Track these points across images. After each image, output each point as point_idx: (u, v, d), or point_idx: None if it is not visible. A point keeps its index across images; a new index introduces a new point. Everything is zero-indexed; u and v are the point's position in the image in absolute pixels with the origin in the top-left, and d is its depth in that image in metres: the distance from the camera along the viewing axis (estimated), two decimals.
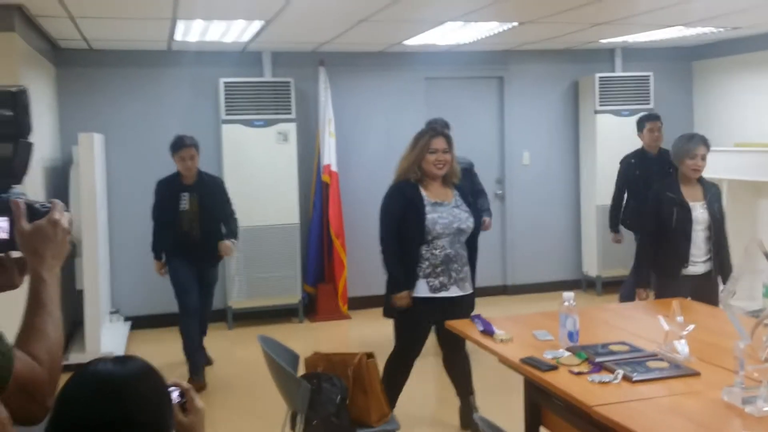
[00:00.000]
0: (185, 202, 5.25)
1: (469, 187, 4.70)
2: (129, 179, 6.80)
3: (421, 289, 3.90)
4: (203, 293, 5.44)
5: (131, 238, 6.81)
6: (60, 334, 1.49)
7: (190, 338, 5.31)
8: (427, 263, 3.89)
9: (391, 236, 3.94)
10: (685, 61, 8.08)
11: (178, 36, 5.87)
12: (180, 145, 5.21)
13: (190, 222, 5.25)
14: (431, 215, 3.87)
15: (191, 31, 5.69)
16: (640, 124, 6.21)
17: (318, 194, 6.94)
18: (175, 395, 1.61)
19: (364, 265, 7.02)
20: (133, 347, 6.21)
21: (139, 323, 6.68)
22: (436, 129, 4.03)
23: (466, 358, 4.15)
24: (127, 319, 6.70)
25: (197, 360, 5.31)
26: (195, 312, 5.32)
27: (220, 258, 5.44)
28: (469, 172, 5.11)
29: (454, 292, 3.94)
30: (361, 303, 6.94)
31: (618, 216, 6.22)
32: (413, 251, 3.88)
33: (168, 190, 5.31)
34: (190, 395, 1.64)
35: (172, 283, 5.35)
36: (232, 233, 5.47)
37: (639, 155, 6.14)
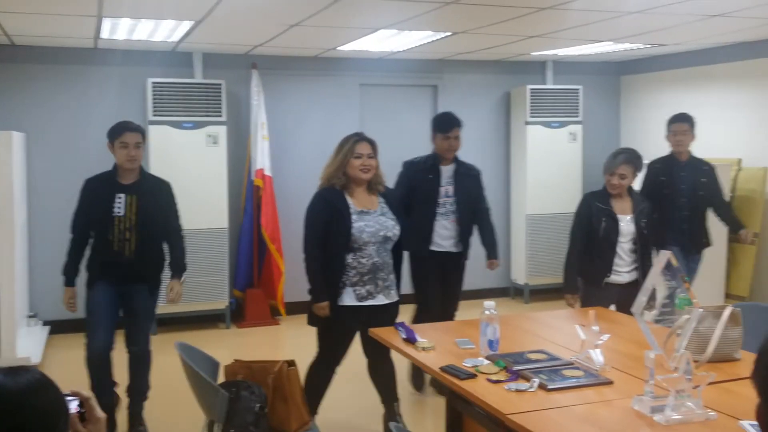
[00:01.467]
0: (120, 206, 4.13)
1: (476, 194, 4.96)
2: (51, 179, 6.60)
3: (347, 298, 3.87)
4: (131, 328, 4.24)
5: (51, 239, 6.59)
6: None
7: (98, 385, 4.17)
8: (354, 271, 3.87)
9: (314, 245, 3.89)
10: (614, 75, 8.29)
11: (105, 34, 5.73)
12: (123, 128, 4.18)
13: (124, 232, 4.12)
14: (357, 224, 3.84)
15: (118, 30, 5.55)
16: (667, 126, 5.71)
17: (249, 198, 6.86)
18: (73, 405, 1.56)
19: (299, 269, 6.93)
20: (51, 352, 6.01)
21: (59, 328, 6.45)
22: (361, 134, 4.01)
23: (391, 366, 4.14)
24: (45, 323, 6.49)
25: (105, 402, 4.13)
26: (102, 355, 4.17)
27: (171, 293, 4.30)
28: (478, 179, 5.04)
29: (380, 300, 3.93)
30: (295, 308, 6.86)
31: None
32: (339, 259, 3.85)
33: (99, 189, 4.20)
34: (89, 404, 1.59)
35: (86, 312, 4.25)
36: (180, 265, 4.32)
37: (666, 160, 5.67)
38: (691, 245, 5.47)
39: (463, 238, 4.88)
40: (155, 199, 4.23)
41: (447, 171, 4.84)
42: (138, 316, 4.21)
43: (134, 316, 4.20)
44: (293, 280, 6.82)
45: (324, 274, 3.87)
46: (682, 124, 5.60)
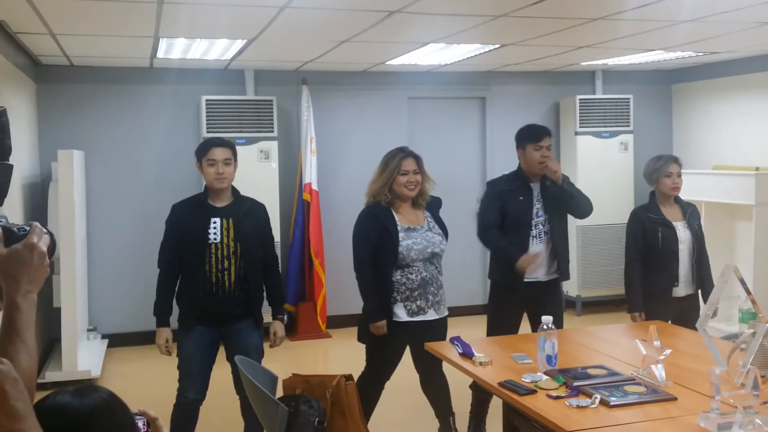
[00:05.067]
0: (216, 231, 3.71)
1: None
2: (109, 196, 6.78)
3: (399, 313, 3.89)
4: (235, 373, 3.74)
5: (109, 255, 6.79)
6: (33, 362, 1.44)
7: None
8: (403, 287, 3.88)
9: (366, 263, 3.90)
10: (665, 84, 8.18)
11: (161, 53, 5.86)
12: (210, 144, 3.78)
13: (222, 261, 3.71)
14: (405, 242, 3.85)
15: (174, 49, 5.69)
16: None
17: (299, 212, 6.93)
18: (140, 424, 1.58)
19: (343, 283, 6.99)
20: (110, 365, 6.15)
21: (117, 341, 6.62)
22: (406, 150, 4.00)
23: (444, 379, 4.13)
24: (104, 336, 6.64)
25: None
26: (193, 407, 3.84)
27: (276, 339, 3.97)
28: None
29: (431, 315, 3.93)
30: (341, 322, 6.91)
31: None
32: (387, 276, 3.86)
33: (190, 214, 3.78)
34: (156, 425, 1.61)
35: (179, 357, 3.86)
36: (280, 297, 4.00)
37: None
38: None
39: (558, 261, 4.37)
40: (253, 223, 3.83)
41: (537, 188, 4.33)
42: (249, 355, 3.60)
43: (244, 355, 3.50)
44: (336, 293, 6.88)
45: (378, 292, 3.88)
46: None
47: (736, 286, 2.65)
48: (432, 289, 3.93)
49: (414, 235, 3.89)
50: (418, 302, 3.90)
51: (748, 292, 2.65)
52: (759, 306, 2.70)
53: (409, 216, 3.95)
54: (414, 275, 3.88)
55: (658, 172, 4.40)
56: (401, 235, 3.86)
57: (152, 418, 1.60)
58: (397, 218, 3.91)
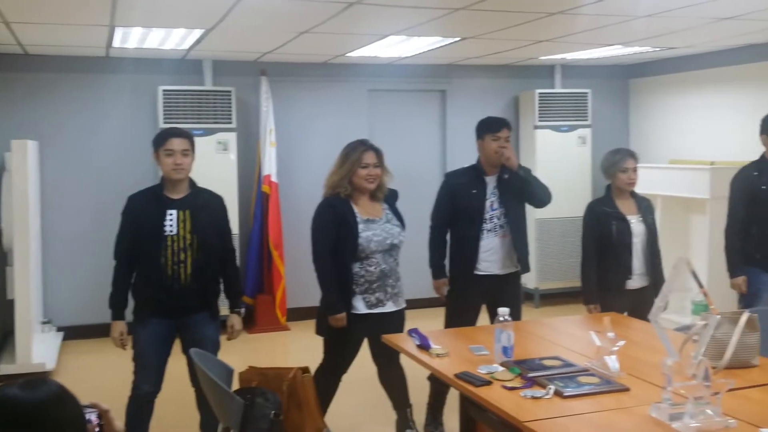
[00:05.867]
0: (173, 223, 3.68)
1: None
2: (64, 187, 6.66)
3: (358, 306, 3.89)
4: (190, 366, 3.64)
5: (65, 246, 6.67)
6: None
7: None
8: (362, 280, 3.88)
9: (325, 256, 3.88)
10: (622, 78, 8.28)
11: (117, 43, 5.76)
12: (168, 134, 3.73)
13: (178, 253, 3.67)
14: (365, 233, 3.85)
15: (130, 38, 5.58)
16: None
17: (258, 205, 6.88)
18: (92, 417, 1.56)
19: (303, 276, 6.93)
20: (65, 358, 6.05)
21: (72, 333, 6.51)
22: (367, 143, 3.99)
23: (401, 372, 4.14)
24: (59, 329, 6.52)
25: None
26: (147, 400, 3.81)
27: (233, 332, 3.93)
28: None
29: (389, 307, 3.94)
30: (301, 314, 6.88)
31: (740, 251, 4.88)
32: (347, 268, 3.86)
33: (146, 205, 3.73)
34: (108, 417, 1.60)
35: (134, 350, 3.82)
36: (237, 291, 3.99)
37: (763, 167, 4.87)
38: None
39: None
40: (210, 215, 3.79)
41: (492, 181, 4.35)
42: (205, 348, 3.53)
43: (199, 348, 3.44)
44: (296, 286, 6.85)
45: (337, 284, 3.87)
46: None
47: (688, 279, 2.68)
48: (390, 281, 3.94)
49: (373, 227, 3.89)
50: (377, 294, 3.90)
51: (701, 285, 2.69)
52: (711, 298, 2.75)
53: (368, 208, 3.95)
54: (373, 267, 3.87)
55: (615, 166, 4.45)
56: (361, 226, 3.86)
57: (104, 410, 1.59)
58: (356, 210, 3.90)
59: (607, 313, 3.84)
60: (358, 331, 3.92)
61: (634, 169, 4.46)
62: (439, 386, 4.26)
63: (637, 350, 3.27)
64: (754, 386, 2.77)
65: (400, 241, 3.98)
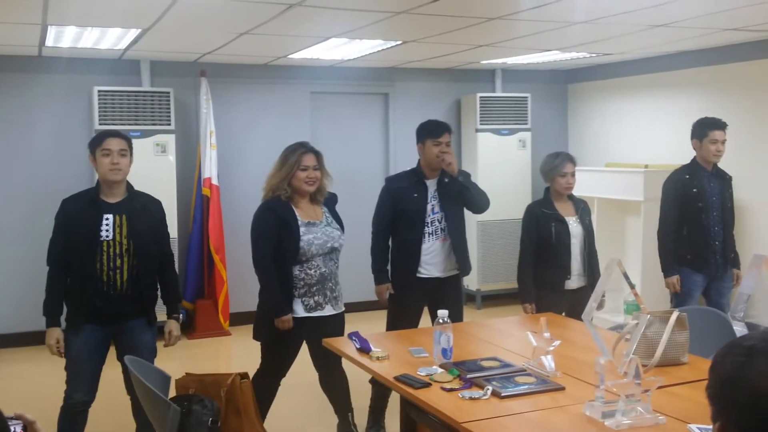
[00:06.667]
0: (109, 228, 3.58)
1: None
2: None
3: (297, 309, 3.86)
4: (125, 374, 3.56)
5: None
6: None
7: None
8: (302, 283, 3.85)
9: (267, 259, 3.84)
10: (561, 83, 8.43)
11: (50, 42, 5.60)
12: (105, 135, 3.64)
13: (114, 259, 3.58)
14: (306, 236, 3.83)
15: (63, 37, 5.44)
16: (701, 131, 4.98)
17: (198, 208, 6.78)
18: (17, 429, 1.51)
19: (244, 280, 6.86)
20: None
21: (4, 342, 6.30)
22: (306, 145, 3.97)
23: (343, 376, 4.12)
24: None
25: None
26: (80, 409, 3.68)
27: (171, 339, 3.84)
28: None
29: (328, 311, 3.93)
30: (242, 319, 6.80)
31: (673, 251, 5.02)
32: (289, 271, 3.83)
33: (81, 210, 3.62)
34: (33, 429, 1.54)
35: (66, 358, 3.70)
36: (175, 296, 3.91)
37: (694, 170, 5.02)
38: (724, 263, 5.04)
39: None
40: (148, 220, 3.71)
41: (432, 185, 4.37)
42: (141, 355, 3.48)
43: (136, 355, 3.37)
44: (237, 290, 6.77)
45: (281, 286, 3.83)
46: (723, 132, 4.97)
47: (620, 279, 2.74)
48: (330, 284, 3.93)
49: (314, 230, 3.87)
50: (316, 297, 3.88)
51: (631, 286, 2.75)
52: (643, 298, 2.81)
53: (308, 211, 3.93)
54: (313, 270, 3.85)
55: (554, 171, 4.53)
56: (302, 229, 3.83)
57: (29, 421, 1.53)
58: (297, 213, 3.87)
59: (543, 314, 3.89)
60: (297, 334, 3.89)
61: (573, 174, 4.55)
62: (380, 389, 4.26)
63: (573, 350, 3.33)
64: (683, 383, 2.85)
65: (340, 245, 3.97)
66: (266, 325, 3.88)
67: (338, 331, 3.92)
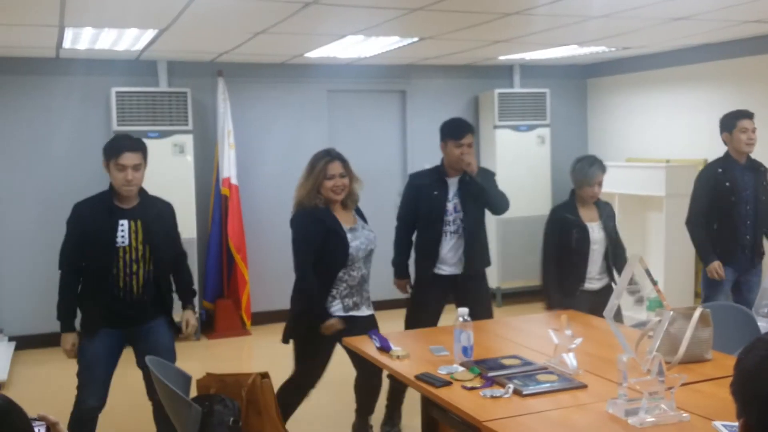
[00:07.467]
0: (124, 234, 3.57)
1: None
2: (13, 191, 6.49)
3: (335, 310, 3.84)
4: (146, 378, 3.57)
5: (15, 253, 6.51)
6: None
7: None
8: (344, 285, 3.84)
9: (310, 266, 3.81)
10: (580, 78, 8.36)
11: (67, 44, 5.63)
12: (121, 148, 3.56)
13: (131, 264, 3.58)
14: (354, 242, 3.83)
15: (81, 39, 5.47)
16: (729, 122, 4.92)
17: (217, 208, 6.79)
18: (41, 431, 1.52)
19: (265, 279, 6.92)
20: (17, 369, 5.90)
21: (25, 343, 6.35)
22: (332, 153, 3.93)
23: (380, 383, 4.07)
24: (11, 339, 6.36)
25: None
26: (92, 415, 3.65)
27: (188, 329, 3.84)
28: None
29: (363, 311, 3.92)
30: (263, 318, 6.83)
31: (706, 240, 4.95)
32: (330, 276, 3.81)
33: (96, 215, 3.58)
34: (57, 429, 1.55)
35: (79, 363, 3.69)
36: (190, 291, 3.91)
37: (727, 163, 4.94)
38: (753, 258, 4.98)
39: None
40: (162, 224, 3.71)
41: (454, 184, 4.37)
42: (159, 357, 3.40)
43: (143, 359, 3.34)
44: (257, 290, 6.78)
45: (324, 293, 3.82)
46: (751, 120, 4.87)
47: (642, 276, 2.71)
48: (366, 285, 3.96)
49: (357, 235, 3.88)
50: (354, 298, 3.88)
51: (654, 282, 2.71)
52: (664, 294, 2.77)
53: (344, 217, 3.93)
54: (356, 272, 3.86)
55: (586, 180, 4.41)
56: (349, 236, 3.84)
57: (52, 422, 1.55)
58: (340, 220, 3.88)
59: (565, 311, 3.85)
60: (331, 336, 3.83)
61: (600, 183, 4.46)
62: (396, 384, 4.24)
63: (595, 347, 3.29)
64: (707, 380, 2.81)
65: (375, 246, 3.98)
66: (301, 328, 3.87)
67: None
